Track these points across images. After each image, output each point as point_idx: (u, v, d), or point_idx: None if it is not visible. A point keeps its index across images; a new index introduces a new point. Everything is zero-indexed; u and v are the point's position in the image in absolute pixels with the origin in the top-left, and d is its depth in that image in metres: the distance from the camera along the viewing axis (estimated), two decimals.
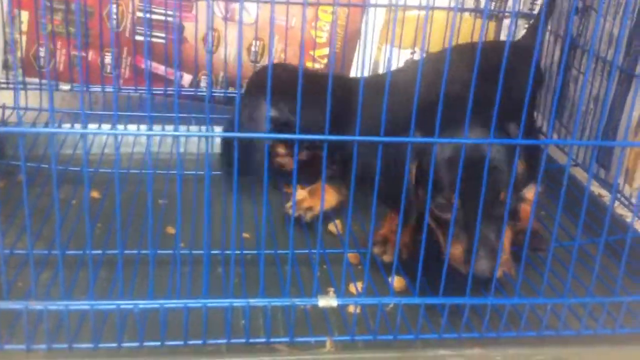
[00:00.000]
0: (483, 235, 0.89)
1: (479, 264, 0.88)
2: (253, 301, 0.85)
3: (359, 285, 1.03)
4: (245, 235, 1.17)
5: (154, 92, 1.50)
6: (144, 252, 1.06)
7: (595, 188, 1.40)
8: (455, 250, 0.92)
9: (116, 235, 1.09)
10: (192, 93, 1.52)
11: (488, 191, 0.86)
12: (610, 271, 1.06)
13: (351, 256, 1.13)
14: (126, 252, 1.05)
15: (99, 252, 1.06)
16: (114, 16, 1.45)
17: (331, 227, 1.22)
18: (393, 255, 1.11)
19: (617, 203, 1.29)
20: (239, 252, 1.09)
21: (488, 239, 0.90)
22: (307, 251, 1.12)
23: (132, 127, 1.45)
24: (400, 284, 1.06)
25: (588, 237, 1.17)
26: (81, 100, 0.78)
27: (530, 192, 1.22)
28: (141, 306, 0.82)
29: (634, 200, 1.25)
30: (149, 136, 0.78)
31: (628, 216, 1.30)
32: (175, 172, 1.33)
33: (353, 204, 0.88)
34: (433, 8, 1.50)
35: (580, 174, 1.42)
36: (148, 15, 1.46)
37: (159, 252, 1.05)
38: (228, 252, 1.08)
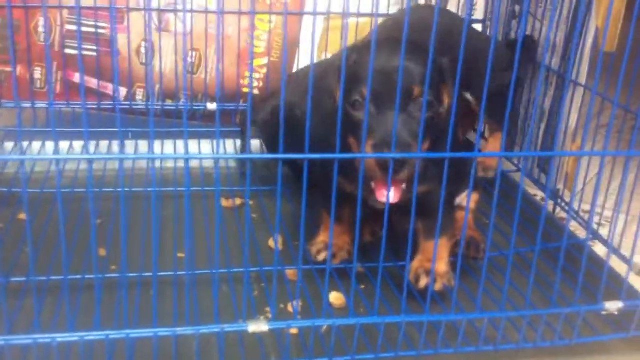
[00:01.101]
0: (396, 129, 0.85)
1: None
2: (180, 330, 0.81)
3: (298, 303, 1.00)
4: (180, 255, 1.12)
5: (89, 106, 1.45)
6: (71, 277, 1.01)
7: (539, 192, 1.40)
8: (368, 150, 0.88)
9: (45, 260, 1.06)
10: (128, 106, 1.48)
11: (402, 83, 0.82)
12: (550, 278, 1.05)
13: (290, 273, 1.10)
14: (53, 277, 1.01)
15: (23, 279, 1.00)
16: (41, 29, 1.39)
17: (271, 242, 1.18)
18: (339, 259, 1.09)
19: (558, 209, 1.29)
20: (172, 273, 1.05)
21: (400, 134, 0.87)
22: (242, 270, 1.08)
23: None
24: (340, 301, 1.03)
25: (530, 244, 1.16)
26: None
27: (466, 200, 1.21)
28: (59, 339, 0.78)
29: (574, 206, 1.25)
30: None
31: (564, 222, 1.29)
32: (106, 189, 1.28)
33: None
34: (376, 14, 1.48)
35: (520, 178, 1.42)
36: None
37: (86, 277, 1.01)
38: (160, 274, 1.04)
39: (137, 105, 1.48)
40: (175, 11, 1.44)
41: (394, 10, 1.52)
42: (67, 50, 1.43)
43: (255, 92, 1.52)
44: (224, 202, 1.31)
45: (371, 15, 1.48)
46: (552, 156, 0.88)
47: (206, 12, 1.43)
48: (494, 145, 1.29)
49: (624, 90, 0.95)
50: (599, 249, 1.20)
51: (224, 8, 1.42)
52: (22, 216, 1.22)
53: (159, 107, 1.49)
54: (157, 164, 1.42)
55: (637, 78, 0.99)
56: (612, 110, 1.14)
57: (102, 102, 1.45)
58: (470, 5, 1.21)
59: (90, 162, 0.72)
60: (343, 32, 1.46)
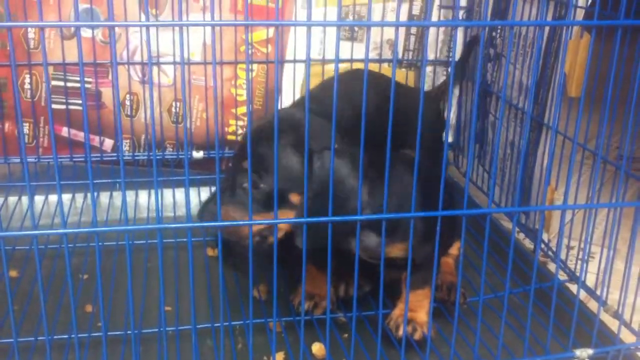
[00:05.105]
0: None
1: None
2: None
3: (280, 356, 1.02)
4: (167, 308, 1.14)
5: (75, 159, 1.48)
6: (57, 337, 1.03)
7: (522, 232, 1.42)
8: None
9: (34, 318, 1.08)
10: (115, 158, 1.50)
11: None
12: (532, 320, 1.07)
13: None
14: (40, 338, 1.03)
15: (10, 340, 1.02)
16: (28, 86, 1.43)
17: (254, 292, 1.20)
18: (321, 309, 1.11)
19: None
20: (155, 330, 1.07)
21: None
22: (225, 324, 1.10)
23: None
24: (322, 352, 1.05)
25: (511, 286, 1.18)
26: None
27: (453, 247, 1.23)
28: None
29: (552, 245, 1.27)
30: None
31: (548, 262, 1.32)
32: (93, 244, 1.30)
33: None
34: (351, 60, 1.52)
35: (500, 215, 1.44)
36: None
37: (72, 336, 1.03)
38: (146, 330, 1.07)
39: (125, 157, 1.51)
40: (159, 64, 1.47)
41: (372, 55, 1.55)
42: (54, 105, 1.47)
43: (240, 139, 1.55)
44: (210, 252, 1.33)
45: (350, 60, 1.52)
46: (516, 211, 0.90)
47: (189, 63, 1.47)
48: None
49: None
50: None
51: (205, 59, 1.47)
52: (13, 273, 1.24)
53: (144, 158, 1.52)
54: (144, 213, 1.45)
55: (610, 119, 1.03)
56: (581, 153, 1.17)
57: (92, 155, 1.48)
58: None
59: (65, 235, 0.74)
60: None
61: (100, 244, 1.32)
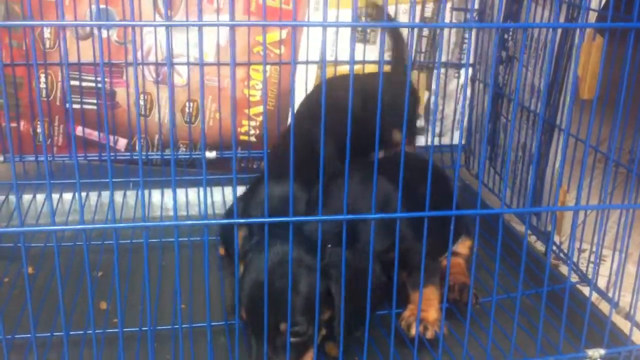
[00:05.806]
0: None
1: None
2: None
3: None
4: (182, 306, 1.15)
5: (89, 158, 1.50)
6: (72, 333, 1.04)
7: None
8: None
9: (50, 314, 1.10)
10: (128, 157, 1.52)
11: (269, 317, 0.86)
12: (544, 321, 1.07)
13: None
14: (56, 334, 1.04)
15: (27, 335, 1.04)
16: (43, 85, 1.44)
17: None
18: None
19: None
20: (170, 327, 1.08)
21: None
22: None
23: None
24: (335, 350, 1.05)
25: (523, 288, 1.18)
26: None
27: (462, 246, 1.24)
28: None
29: (563, 248, 1.28)
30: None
31: (560, 265, 1.32)
32: (108, 242, 1.32)
33: None
34: (363, 62, 1.53)
35: (512, 218, 1.45)
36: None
37: (88, 332, 1.04)
38: (160, 327, 1.08)
39: (137, 155, 1.52)
40: (172, 64, 1.48)
41: (385, 56, 1.56)
42: (68, 105, 1.48)
43: (253, 139, 1.57)
44: (222, 251, 1.33)
45: (363, 62, 1.53)
46: (528, 212, 0.91)
47: (202, 64, 1.48)
48: None
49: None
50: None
51: (219, 60, 1.49)
52: (29, 270, 1.25)
53: (158, 157, 1.53)
54: (157, 212, 1.46)
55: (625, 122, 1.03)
56: (593, 155, 1.18)
57: (103, 154, 1.49)
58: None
59: (84, 230, 0.75)
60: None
61: (114, 241, 1.33)
